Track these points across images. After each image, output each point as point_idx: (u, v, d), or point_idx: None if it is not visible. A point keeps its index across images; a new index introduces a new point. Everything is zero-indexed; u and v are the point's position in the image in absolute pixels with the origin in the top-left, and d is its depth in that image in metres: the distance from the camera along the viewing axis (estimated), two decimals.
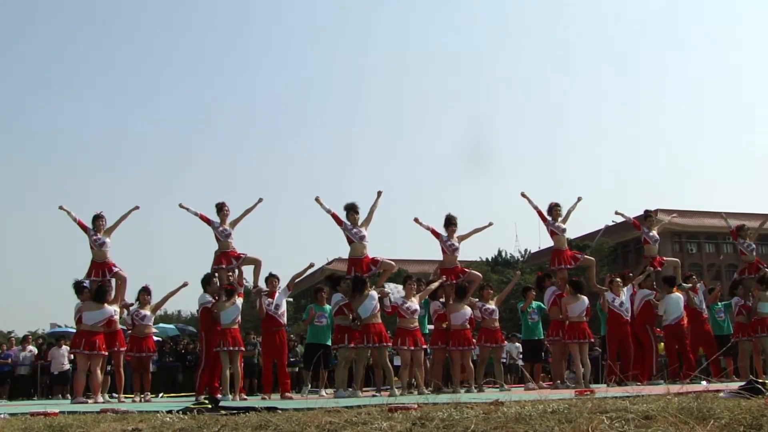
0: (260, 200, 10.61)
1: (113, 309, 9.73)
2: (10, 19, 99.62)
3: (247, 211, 10.51)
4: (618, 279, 10.95)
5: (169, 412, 4.65)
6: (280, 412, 4.43)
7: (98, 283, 9.74)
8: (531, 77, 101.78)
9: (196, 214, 10.31)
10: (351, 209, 9.84)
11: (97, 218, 10.10)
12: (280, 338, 10.06)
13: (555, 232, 10.99)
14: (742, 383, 4.62)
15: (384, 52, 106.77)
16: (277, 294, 10.04)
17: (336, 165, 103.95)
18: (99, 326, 9.46)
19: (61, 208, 10.10)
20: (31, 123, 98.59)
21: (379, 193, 10.09)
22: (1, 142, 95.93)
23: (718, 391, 4.50)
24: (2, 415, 5.53)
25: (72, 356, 13.49)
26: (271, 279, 10.14)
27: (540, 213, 11.03)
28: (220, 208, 10.35)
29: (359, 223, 9.85)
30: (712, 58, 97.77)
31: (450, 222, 10.62)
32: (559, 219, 11.03)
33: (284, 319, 10.15)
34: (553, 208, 11.05)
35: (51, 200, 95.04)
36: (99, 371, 9.55)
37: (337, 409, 4.17)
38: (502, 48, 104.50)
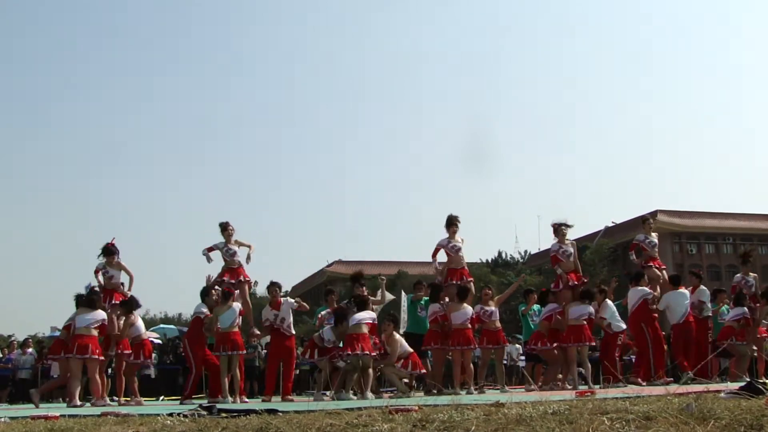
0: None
1: (104, 314, 9.61)
2: (7, 20, 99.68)
3: (249, 249, 10.70)
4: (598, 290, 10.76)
5: (170, 415, 4.65)
6: (280, 414, 4.43)
7: (89, 290, 9.71)
8: (531, 77, 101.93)
9: (206, 255, 10.45)
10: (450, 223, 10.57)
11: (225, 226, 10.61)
12: (289, 343, 10.06)
13: (559, 258, 10.65)
14: (742, 384, 4.62)
15: (384, 52, 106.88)
16: (282, 305, 9.89)
17: (336, 165, 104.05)
18: (93, 328, 9.37)
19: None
20: (32, 125, 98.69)
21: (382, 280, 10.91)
22: (2, 144, 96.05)
23: (718, 391, 4.50)
24: (3, 419, 5.53)
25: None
26: (273, 288, 9.99)
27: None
28: (225, 227, 10.45)
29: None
30: (713, 57, 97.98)
31: (451, 222, 10.58)
32: (567, 240, 10.69)
33: (292, 329, 10.08)
34: (558, 229, 10.70)
35: (52, 203, 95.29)
36: (97, 376, 9.46)
37: (338, 412, 4.18)
38: (502, 48, 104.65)
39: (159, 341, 17.84)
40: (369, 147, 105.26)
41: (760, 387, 3.95)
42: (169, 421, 4.28)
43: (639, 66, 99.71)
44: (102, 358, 9.56)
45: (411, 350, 9.49)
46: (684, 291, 10.93)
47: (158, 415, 4.79)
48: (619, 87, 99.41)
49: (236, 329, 9.47)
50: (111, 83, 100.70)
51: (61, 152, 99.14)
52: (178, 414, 4.67)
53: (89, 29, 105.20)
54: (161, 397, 13.45)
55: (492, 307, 10.42)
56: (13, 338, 21.59)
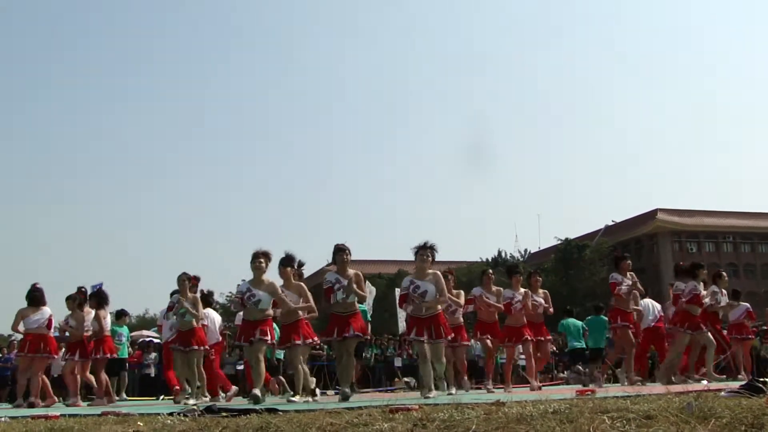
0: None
1: (49, 310, 9.71)
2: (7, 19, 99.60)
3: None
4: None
5: (170, 414, 4.65)
6: (281, 413, 4.43)
7: (33, 287, 9.69)
8: (531, 77, 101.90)
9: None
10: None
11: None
12: None
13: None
14: (743, 382, 4.62)
15: (384, 52, 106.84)
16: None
17: (336, 165, 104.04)
18: (44, 328, 9.39)
19: None
20: (32, 125, 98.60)
21: None
22: (1, 142, 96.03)
23: (719, 390, 4.50)
24: (3, 418, 5.53)
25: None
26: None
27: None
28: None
29: None
30: (713, 57, 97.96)
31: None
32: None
33: None
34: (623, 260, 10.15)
35: (50, 203, 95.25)
36: (41, 375, 9.45)
37: (338, 411, 4.17)
38: (502, 47, 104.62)
39: (158, 341, 17.82)
40: (369, 147, 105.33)
41: (761, 386, 3.95)
42: (169, 421, 4.28)
43: (639, 65, 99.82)
44: (52, 356, 9.60)
45: None
46: (649, 299, 11.12)
47: (159, 414, 4.79)
48: (619, 86, 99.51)
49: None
50: (111, 83, 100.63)
51: (61, 151, 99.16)
52: (179, 413, 4.67)
53: (75, 26, 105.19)
54: (161, 397, 13.45)
55: (541, 299, 9.60)
56: (13, 338, 21.53)
